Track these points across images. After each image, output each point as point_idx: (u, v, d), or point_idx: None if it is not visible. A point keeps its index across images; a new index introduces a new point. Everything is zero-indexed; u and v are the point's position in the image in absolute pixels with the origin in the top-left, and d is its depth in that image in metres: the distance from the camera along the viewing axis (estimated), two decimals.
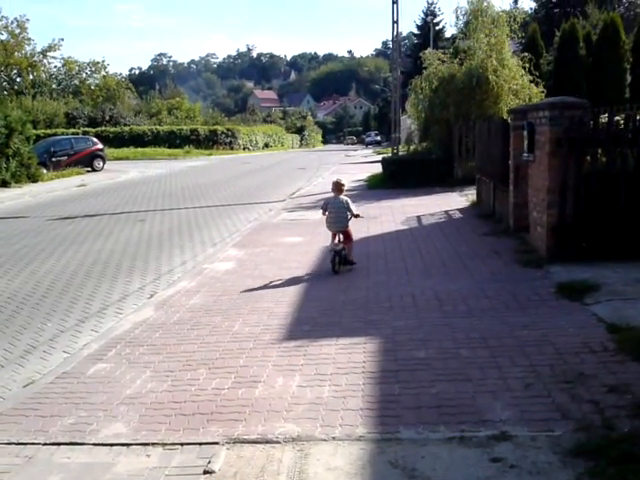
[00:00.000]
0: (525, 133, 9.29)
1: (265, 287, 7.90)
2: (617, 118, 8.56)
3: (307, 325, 6.27)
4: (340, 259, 8.63)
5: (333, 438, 3.99)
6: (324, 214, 9.09)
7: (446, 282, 7.68)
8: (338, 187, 9.05)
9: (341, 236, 8.88)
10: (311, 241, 10.98)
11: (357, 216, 9.03)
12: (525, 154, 9.35)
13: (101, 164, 30.81)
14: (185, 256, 10.56)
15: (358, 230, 11.51)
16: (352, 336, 5.86)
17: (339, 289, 7.65)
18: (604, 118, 8.61)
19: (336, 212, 8.90)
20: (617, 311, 6.11)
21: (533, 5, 55.76)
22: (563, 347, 5.27)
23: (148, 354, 5.73)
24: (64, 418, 4.51)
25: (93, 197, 19.89)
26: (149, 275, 9.27)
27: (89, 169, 29.74)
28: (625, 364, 4.82)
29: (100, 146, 31.49)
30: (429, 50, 22.39)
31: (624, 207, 8.02)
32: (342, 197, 9.04)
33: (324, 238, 11.09)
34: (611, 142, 8.11)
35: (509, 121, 11.37)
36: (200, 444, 4.03)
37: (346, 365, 5.15)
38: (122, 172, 29.43)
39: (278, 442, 4.00)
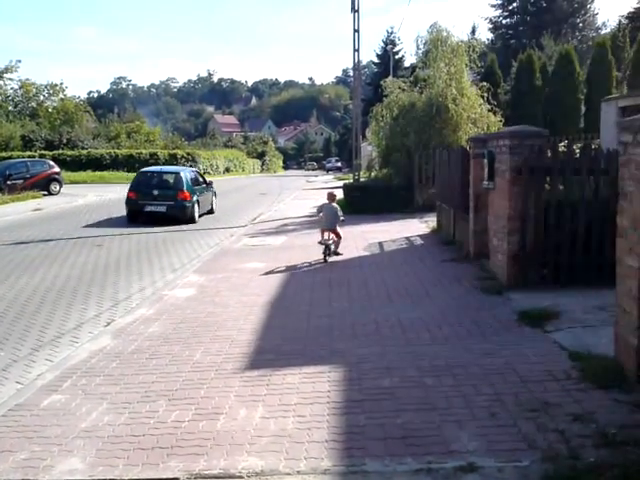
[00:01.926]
0: (485, 161, 9.43)
1: (227, 314, 7.76)
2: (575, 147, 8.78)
3: (270, 354, 6.16)
4: (329, 251, 11.30)
5: (298, 472, 3.89)
6: (318, 215, 12.21)
7: (409, 309, 7.67)
8: (331, 197, 12.10)
9: (331, 234, 11.60)
10: (272, 266, 10.88)
11: (342, 221, 11.91)
12: (485, 182, 9.48)
13: (58, 188, 30.18)
14: (144, 282, 10.34)
15: (319, 256, 11.50)
16: (316, 364, 5.78)
17: (302, 316, 7.56)
18: (562, 147, 8.83)
19: (328, 215, 11.70)
20: (578, 339, 6.16)
21: (490, 36, 57.31)
22: (527, 375, 5.28)
23: (105, 385, 5.54)
24: (16, 453, 4.30)
25: (49, 221, 19.43)
26: (106, 302, 9.03)
27: (45, 193, 29.10)
28: (588, 392, 4.83)
29: (57, 169, 30.86)
30: (390, 78, 22.71)
31: (583, 235, 8.16)
32: (334, 204, 11.93)
33: (286, 264, 11.06)
34: (570, 171, 8.27)
35: (469, 149, 11.52)
36: None
37: (310, 395, 5.05)
38: (79, 196, 28.85)
39: (241, 477, 3.88)
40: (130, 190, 19.61)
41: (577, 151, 9.03)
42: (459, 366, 5.57)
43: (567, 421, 4.36)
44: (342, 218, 11.87)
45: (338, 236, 11.72)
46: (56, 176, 30.47)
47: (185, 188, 19.11)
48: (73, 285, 10.12)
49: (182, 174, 19.98)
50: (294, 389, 5.20)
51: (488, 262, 9.63)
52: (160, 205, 18.81)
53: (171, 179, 20.03)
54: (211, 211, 21.95)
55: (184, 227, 17.81)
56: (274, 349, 6.30)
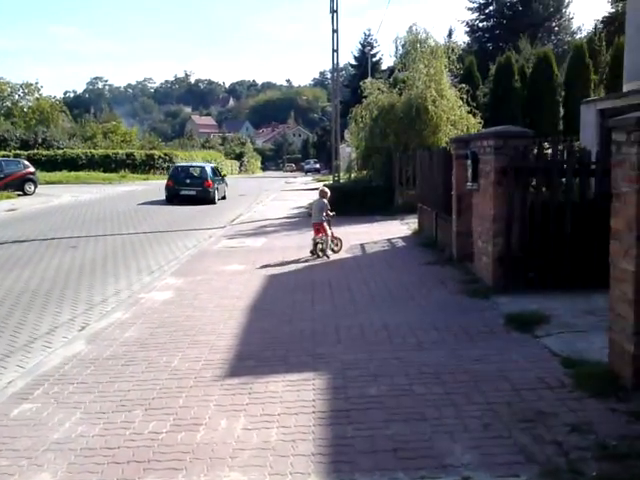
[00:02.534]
0: (469, 162, 9.27)
1: (206, 318, 7.50)
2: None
3: (251, 360, 5.92)
4: (317, 247, 11.58)
5: None
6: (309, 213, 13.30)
7: (394, 313, 7.47)
8: (322, 193, 12.31)
9: (321, 232, 11.66)
10: (252, 269, 10.64)
11: (330, 215, 12.08)
12: (469, 183, 9.32)
13: (32, 188, 29.59)
14: (120, 285, 10.04)
15: (300, 258, 11.31)
16: (300, 371, 5.55)
17: (284, 319, 7.33)
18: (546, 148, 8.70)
19: (315, 209, 12.17)
20: (569, 344, 6.00)
21: (466, 39, 57.46)
22: (519, 383, 5.10)
23: (78, 393, 5.26)
24: None
25: (23, 222, 18.98)
26: (80, 305, 8.72)
27: (20, 193, 28.54)
28: (583, 401, 4.67)
29: (32, 169, 30.27)
30: (369, 79, 22.62)
31: (569, 237, 8.04)
32: (323, 200, 12.06)
33: (266, 266, 10.83)
34: (556, 172, 8.14)
35: (451, 150, 11.38)
36: None
37: (295, 404, 4.83)
38: (54, 196, 28.36)
39: None
40: (168, 180, 27.44)
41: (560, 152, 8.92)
42: (448, 373, 5.38)
43: (564, 432, 4.18)
44: (331, 213, 12.07)
45: (324, 231, 11.71)
46: (31, 176, 29.92)
47: (209, 178, 26.75)
48: (47, 288, 9.78)
49: (206, 168, 27.99)
50: (277, 398, 4.97)
51: (472, 265, 9.48)
52: (191, 190, 26.13)
53: (198, 171, 27.45)
54: (224, 197, 28.86)
55: (161, 228, 17.48)
56: (255, 355, 6.07)
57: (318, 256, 11.52)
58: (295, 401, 4.88)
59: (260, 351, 6.17)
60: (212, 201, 26.37)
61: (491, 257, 8.29)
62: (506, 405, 4.67)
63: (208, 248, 13.42)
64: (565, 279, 8.04)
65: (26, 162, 31.33)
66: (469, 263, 9.72)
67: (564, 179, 8.29)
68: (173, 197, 26.17)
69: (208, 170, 27.49)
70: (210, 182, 26.56)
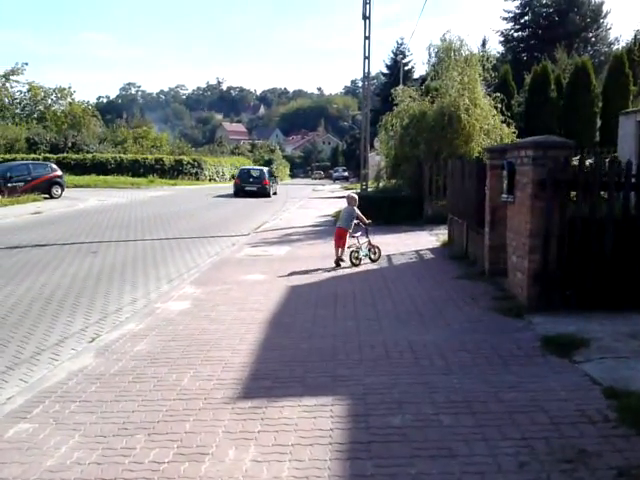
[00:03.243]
0: (505, 173, 8.78)
1: (222, 332, 7.12)
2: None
3: (266, 380, 5.52)
4: (352, 255, 11.50)
5: None
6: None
7: (421, 331, 7.01)
8: (350, 200, 12.28)
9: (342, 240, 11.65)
10: (274, 279, 10.26)
11: (366, 223, 12.01)
12: (504, 195, 8.83)
13: (59, 191, 29.65)
14: (137, 293, 9.72)
15: (324, 269, 10.91)
16: (317, 395, 5.13)
17: (304, 336, 6.92)
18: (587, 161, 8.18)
19: (343, 215, 12.15)
20: (611, 372, 5.50)
21: (501, 49, 56.73)
22: (557, 415, 4.62)
23: (80, 413, 4.91)
24: None
25: (46, 225, 18.86)
26: (94, 314, 8.41)
27: (47, 196, 28.60)
28: (631, 440, 4.18)
29: (59, 173, 30.35)
30: (400, 87, 22.16)
31: (610, 255, 7.51)
32: (353, 208, 12.05)
33: (288, 276, 10.45)
34: (598, 186, 7.62)
35: (486, 160, 10.90)
36: None
37: (310, 433, 4.41)
38: (81, 200, 28.36)
39: None
40: (236, 178, 37.51)
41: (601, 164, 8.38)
42: (479, 402, 4.91)
43: (610, 476, 3.71)
44: (367, 221, 12.00)
45: (343, 239, 11.69)
46: (58, 179, 29.98)
47: (266, 178, 36.74)
48: (61, 295, 9.51)
49: (264, 170, 38.97)
50: (292, 425, 4.55)
51: (505, 280, 8.97)
52: (253, 186, 35.68)
53: (258, 173, 37.45)
54: (275, 193, 39.33)
55: (185, 235, 17.21)
56: (271, 374, 5.66)
57: (338, 265, 11.42)
58: (311, 430, 4.46)
59: (276, 370, 5.77)
60: (268, 195, 36.27)
61: (526, 274, 7.78)
62: (544, 441, 4.20)
63: (230, 256, 13.08)
64: (605, 299, 7.51)
65: (54, 165, 31.40)
66: (502, 278, 9.22)
67: (605, 193, 7.79)
68: (239, 191, 35.47)
69: (265, 172, 38.22)
70: (267, 181, 36.83)
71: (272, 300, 8.72)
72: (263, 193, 35.74)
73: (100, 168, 46.16)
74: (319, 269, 11.17)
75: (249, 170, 38.49)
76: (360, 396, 5.08)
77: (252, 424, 4.60)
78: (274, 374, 5.66)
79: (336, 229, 12.05)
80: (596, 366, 5.69)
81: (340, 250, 11.61)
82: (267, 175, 37.26)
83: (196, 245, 15.17)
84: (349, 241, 11.77)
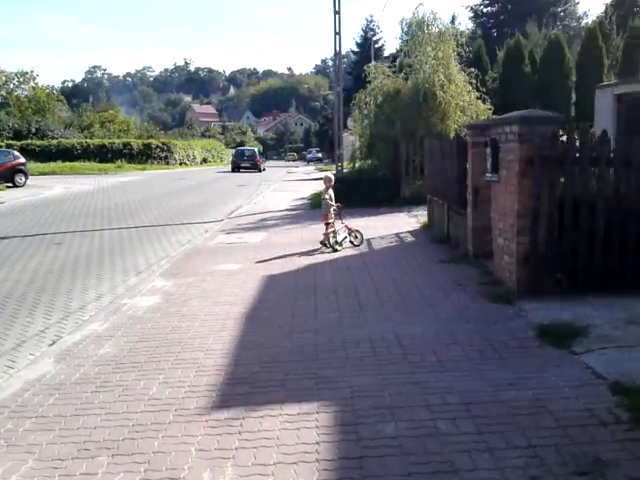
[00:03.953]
0: (488, 151, 8.34)
1: (194, 330, 6.61)
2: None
3: (244, 385, 5.02)
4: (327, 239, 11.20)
5: None
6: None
7: (407, 322, 6.57)
8: (325, 181, 11.93)
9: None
10: (249, 269, 9.75)
11: (334, 206, 11.49)
12: (488, 174, 8.40)
13: (23, 179, 28.62)
14: (102, 288, 9.14)
15: (302, 256, 10.43)
16: (301, 401, 4.66)
17: (283, 331, 6.43)
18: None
19: (322, 200, 11.86)
20: (615, 363, 5.12)
21: (470, 26, 56.32)
22: (564, 416, 4.21)
23: (35, 431, 4.38)
24: None
25: (8, 216, 18.06)
26: (55, 313, 7.83)
27: (10, 185, 27.60)
28: None
29: (22, 160, 29.26)
30: (373, 63, 21.56)
31: (603, 235, 7.13)
32: (324, 190, 11.75)
33: (265, 265, 9.95)
34: (589, 162, 7.22)
35: (466, 138, 10.46)
36: None
37: (294, 449, 3.94)
38: (46, 188, 27.43)
39: None
40: (233, 157, 48.45)
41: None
42: (478, 403, 4.48)
43: None
44: (332, 204, 11.54)
45: (327, 224, 11.42)
46: (21, 167, 28.94)
47: (258, 156, 47.96)
48: (20, 292, 8.90)
49: (255, 149, 52.26)
50: (273, 440, 4.08)
51: (491, 263, 8.57)
52: (247, 163, 45.91)
53: (250, 152, 48.95)
54: (264, 169, 48.79)
55: (154, 222, 16.57)
56: (249, 378, 5.17)
57: (325, 246, 11.20)
58: (295, 445, 3.99)
59: (255, 373, 5.28)
60: (259, 170, 46.66)
61: (515, 257, 7.37)
62: (554, 449, 3.79)
63: (203, 244, 12.52)
64: (598, 281, 7.14)
65: (16, 153, 30.30)
66: (487, 261, 8.83)
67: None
68: (236, 168, 45.92)
69: (256, 151, 51.52)
70: (258, 158, 48.52)
71: (248, 292, 8.22)
72: (255, 168, 46.29)
73: (66, 154, 44.95)
74: (297, 255, 10.68)
75: (243, 150, 51.12)
76: (348, 401, 4.62)
77: (229, 439, 4.11)
78: (252, 377, 5.18)
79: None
80: (598, 358, 5.30)
81: (324, 236, 11.39)
82: (258, 154, 49.84)
83: (166, 233, 14.56)
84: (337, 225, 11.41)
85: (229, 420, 4.40)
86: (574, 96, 26.48)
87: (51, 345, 6.46)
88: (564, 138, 7.73)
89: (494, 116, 16.92)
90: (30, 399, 4.96)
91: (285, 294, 8.04)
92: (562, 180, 7.39)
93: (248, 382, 5.08)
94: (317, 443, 4.00)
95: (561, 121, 7.66)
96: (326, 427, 4.22)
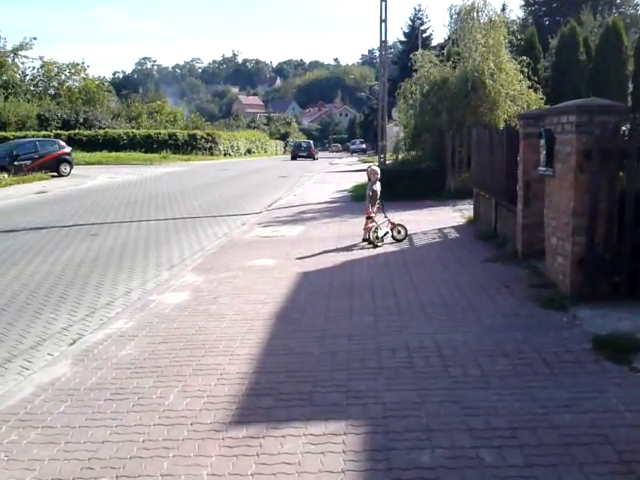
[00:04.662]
0: (542, 142, 7.72)
1: (220, 331, 6.22)
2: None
3: (267, 397, 4.60)
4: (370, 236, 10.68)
5: None
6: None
7: (449, 328, 6.05)
8: (369, 174, 11.40)
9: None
10: (284, 265, 9.34)
11: (374, 201, 10.94)
12: (542, 167, 7.77)
13: (68, 169, 28.84)
14: (133, 283, 8.85)
15: (339, 251, 9.97)
16: (328, 418, 4.21)
17: (314, 335, 5.99)
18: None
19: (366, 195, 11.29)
20: None
21: (521, 14, 54.66)
22: (627, 449, 3.67)
23: (39, 444, 4.04)
24: None
25: (49, 206, 18.07)
26: (81, 309, 7.54)
27: (55, 174, 27.82)
28: None
29: (67, 150, 29.48)
30: (420, 51, 20.87)
31: None
32: (370, 184, 11.18)
33: (299, 261, 9.52)
34: None
35: (518, 128, 9.82)
36: None
37: (317, 477, 3.50)
38: (90, 178, 27.57)
39: None
40: (292, 149, 60.56)
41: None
42: (527, 429, 3.96)
43: None
44: (370, 193, 11.04)
45: (369, 218, 10.88)
46: (66, 157, 29.16)
47: (312, 147, 60.03)
48: (49, 286, 8.66)
49: (310, 142, 63.58)
50: (294, 465, 3.64)
51: (542, 264, 7.97)
52: (304, 152, 57.21)
53: (306, 144, 60.74)
54: (317, 158, 58.39)
55: (193, 214, 16.32)
56: (273, 389, 4.74)
57: (367, 242, 10.74)
58: (318, 473, 3.55)
59: (280, 383, 4.85)
60: (314, 158, 56.99)
61: (570, 258, 6.76)
62: None
63: (239, 237, 12.16)
64: None
65: (61, 142, 30.54)
66: (538, 262, 8.23)
67: None
68: (295, 156, 56.35)
69: (311, 143, 62.58)
70: (313, 149, 59.75)
71: (280, 290, 7.80)
72: (310, 156, 56.83)
73: (112, 144, 45.37)
74: (334, 251, 10.23)
75: (300, 143, 62.58)
76: (379, 421, 4.15)
77: (245, 462, 3.70)
78: (277, 389, 4.75)
79: None
80: None
81: (364, 231, 10.94)
82: (312, 145, 61.40)
83: (203, 225, 14.26)
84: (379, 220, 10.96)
85: (247, 439, 3.98)
86: (631, 85, 25.24)
87: (71, 345, 6.15)
88: (625, 129, 7.10)
89: (546, 106, 16.13)
90: (40, 406, 4.63)
91: (319, 293, 7.60)
92: (622, 175, 6.78)
93: (272, 394, 4.65)
94: (343, 472, 3.55)
95: (623, 111, 7.00)
96: (354, 452, 3.76)
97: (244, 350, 5.64)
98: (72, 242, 11.96)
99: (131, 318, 6.82)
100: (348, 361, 5.28)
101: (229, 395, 4.66)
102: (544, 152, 7.61)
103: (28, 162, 26.94)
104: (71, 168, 29.14)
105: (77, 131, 46.40)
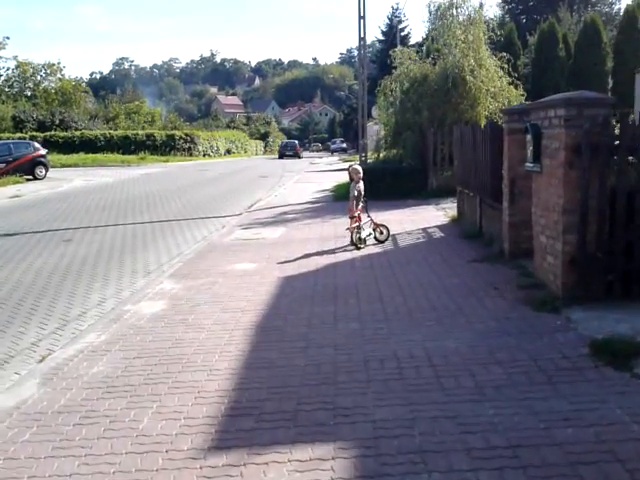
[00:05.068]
0: (529, 138, 7.49)
1: (198, 343, 5.89)
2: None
3: (248, 418, 4.28)
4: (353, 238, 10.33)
5: None
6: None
7: (439, 335, 5.78)
8: (350, 175, 11.14)
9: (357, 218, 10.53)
10: (266, 268, 9.02)
11: (358, 200, 10.49)
12: (529, 164, 7.55)
13: (43, 172, 28.21)
14: (107, 291, 8.48)
15: (322, 254, 9.66)
16: (314, 441, 3.90)
17: (297, 346, 5.68)
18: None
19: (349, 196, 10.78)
20: None
21: (498, 13, 54.72)
22: (637, 467, 3.40)
23: None
24: None
25: (23, 210, 17.56)
26: (52, 321, 7.17)
27: (30, 177, 27.20)
28: None
29: (42, 152, 28.84)
30: (399, 48, 20.63)
31: None
32: (353, 184, 10.74)
33: (280, 265, 9.21)
34: None
35: (502, 124, 9.59)
36: None
37: None
38: (66, 180, 26.99)
39: None
40: (279, 148, 65.76)
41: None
42: (529, 446, 3.69)
43: None
44: (355, 194, 10.53)
45: (352, 219, 10.52)
46: (42, 159, 28.56)
47: (297, 146, 65.50)
48: (20, 296, 8.27)
49: (295, 142, 68.73)
50: None
51: (530, 263, 7.73)
52: (290, 152, 62.04)
53: (292, 144, 65.43)
54: (301, 157, 63.33)
55: (171, 216, 15.93)
56: (254, 408, 4.42)
57: (353, 244, 10.33)
58: None
59: (262, 401, 4.53)
60: (299, 157, 61.97)
61: (561, 258, 6.53)
62: None
63: (218, 241, 11.81)
64: None
65: (37, 144, 29.89)
66: (526, 261, 8.00)
67: None
68: (282, 156, 60.45)
69: (296, 143, 67.07)
70: (298, 148, 64.84)
71: (261, 296, 7.48)
72: (296, 155, 62.03)
73: (89, 146, 44.68)
74: (316, 253, 9.93)
75: (287, 143, 67.04)
76: (370, 442, 3.85)
77: None
78: (259, 407, 4.43)
79: None
80: None
81: (350, 232, 10.52)
82: (298, 144, 67.06)
83: (182, 228, 13.89)
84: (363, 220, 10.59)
85: (227, 467, 3.66)
86: (611, 81, 25.19)
87: (40, 362, 5.78)
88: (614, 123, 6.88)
89: (527, 102, 15.96)
90: (3, 434, 4.26)
91: (302, 299, 7.29)
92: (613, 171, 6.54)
93: (254, 414, 4.33)
94: None
95: (612, 103, 6.76)
96: (344, 479, 3.46)
97: (223, 364, 5.31)
98: (45, 248, 11.53)
99: (104, 331, 6.46)
100: (334, 374, 4.98)
101: (207, 416, 4.34)
102: (531, 148, 7.40)
103: (2, 165, 26.33)
104: (47, 171, 28.53)
105: (53, 133, 45.64)
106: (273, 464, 3.66)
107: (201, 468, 3.67)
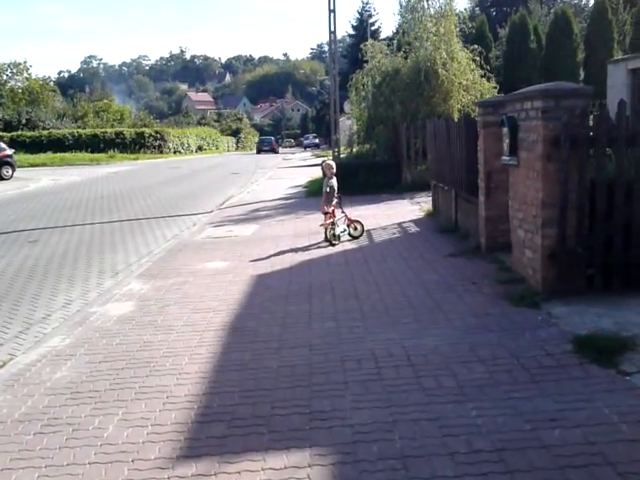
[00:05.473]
0: (505, 131, 7.35)
1: (167, 346, 5.64)
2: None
3: (219, 424, 4.05)
4: (326, 234, 10.16)
5: None
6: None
7: (417, 332, 5.60)
8: (323, 170, 10.94)
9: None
10: (238, 267, 8.78)
11: (332, 196, 10.25)
12: (505, 157, 7.41)
13: (10, 172, 27.56)
14: (73, 293, 8.17)
15: (295, 251, 9.45)
16: (289, 447, 3.69)
17: (271, 347, 5.46)
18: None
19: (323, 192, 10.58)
20: None
21: (467, 6, 54.96)
22: (632, 470, 3.26)
23: None
24: None
25: None
26: (15, 325, 6.86)
27: None
28: None
29: (9, 152, 28.19)
30: (370, 41, 20.47)
31: None
32: (326, 179, 10.53)
33: (253, 263, 8.97)
34: (626, 141, 6.21)
35: (476, 117, 9.46)
36: None
37: None
38: (33, 180, 26.40)
39: None
40: (257, 144, 70.36)
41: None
42: (515, 450, 3.52)
43: None
44: (328, 189, 10.37)
45: (327, 215, 10.37)
46: (8, 159, 27.93)
47: (274, 142, 69.78)
48: None
49: (272, 138, 73.09)
50: None
51: (508, 257, 7.61)
52: (267, 147, 65.85)
53: (269, 140, 69.56)
54: (278, 152, 65.68)
55: (141, 215, 15.57)
56: (226, 413, 4.20)
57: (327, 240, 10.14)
58: None
59: (234, 406, 4.30)
60: (276, 152, 63.95)
61: (540, 252, 6.39)
62: None
63: (189, 239, 11.53)
64: (637, 279, 6.19)
65: (2, 144, 29.21)
66: (503, 255, 7.88)
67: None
68: (260, 151, 63.34)
69: (273, 139, 70.96)
70: (275, 144, 68.23)
71: (234, 295, 7.25)
72: (273, 151, 64.48)
73: (57, 145, 43.87)
74: (290, 251, 9.72)
75: (264, 139, 70.44)
76: (348, 447, 3.65)
77: None
78: (231, 412, 4.20)
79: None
80: None
81: (321, 226, 10.43)
82: (274, 141, 70.29)
83: (151, 227, 13.57)
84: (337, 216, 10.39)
85: (197, 477, 3.44)
86: (582, 73, 25.35)
87: (1, 367, 5.48)
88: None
89: (500, 95, 15.91)
90: None
91: (275, 298, 7.07)
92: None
93: (225, 419, 4.11)
94: None
95: (589, 94, 6.63)
96: None
97: (193, 367, 5.07)
98: (9, 250, 11.15)
99: (69, 334, 6.18)
100: (310, 375, 4.77)
101: (176, 423, 4.10)
102: (507, 141, 7.26)
103: None
104: (13, 171, 27.90)
105: (20, 132, 44.75)
106: (246, 473, 3.44)
107: (169, 478, 3.44)
